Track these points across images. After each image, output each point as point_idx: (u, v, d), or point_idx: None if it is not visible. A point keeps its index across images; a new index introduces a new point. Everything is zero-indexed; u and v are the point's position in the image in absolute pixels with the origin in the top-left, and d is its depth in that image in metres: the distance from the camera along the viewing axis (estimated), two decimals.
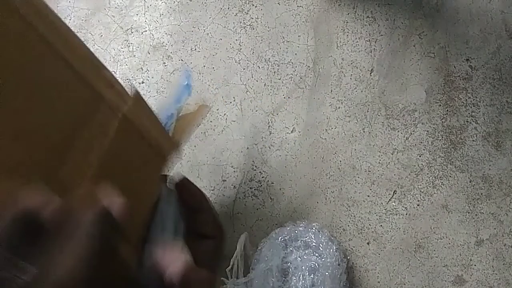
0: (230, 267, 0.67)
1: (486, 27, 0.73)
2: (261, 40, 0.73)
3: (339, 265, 0.64)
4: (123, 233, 0.21)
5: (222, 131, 0.71)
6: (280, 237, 0.66)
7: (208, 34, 0.74)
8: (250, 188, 0.70)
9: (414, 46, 0.73)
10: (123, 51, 0.73)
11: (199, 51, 0.73)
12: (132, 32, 0.74)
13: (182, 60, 0.73)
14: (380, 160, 0.71)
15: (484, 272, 0.69)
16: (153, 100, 0.72)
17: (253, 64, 0.73)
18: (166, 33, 0.74)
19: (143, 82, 0.73)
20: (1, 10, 0.19)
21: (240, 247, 0.67)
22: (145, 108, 0.28)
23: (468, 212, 0.70)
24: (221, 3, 0.74)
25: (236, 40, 0.73)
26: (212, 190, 0.70)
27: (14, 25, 0.19)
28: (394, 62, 0.73)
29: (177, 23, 0.74)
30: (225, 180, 0.71)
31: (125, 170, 0.26)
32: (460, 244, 0.69)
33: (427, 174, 0.70)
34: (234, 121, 0.72)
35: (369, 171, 0.71)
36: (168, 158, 0.31)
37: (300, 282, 0.62)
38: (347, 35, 0.73)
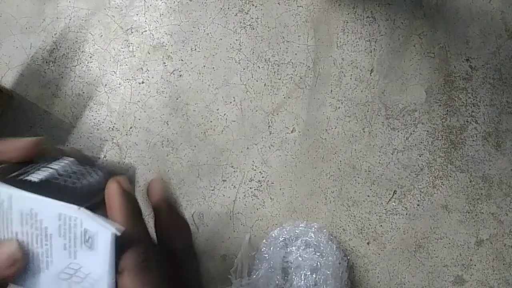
0: (234, 267, 0.67)
1: (486, 27, 0.73)
2: (261, 40, 0.73)
3: (340, 263, 0.64)
4: None
5: (222, 131, 0.71)
6: (280, 237, 0.66)
7: (208, 34, 0.74)
8: (250, 188, 0.70)
9: (414, 46, 0.73)
10: (123, 51, 0.73)
11: (199, 51, 0.73)
12: (132, 32, 0.74)
13: (182, 60, 0.73)
14: (380, 160, 0.71)
15: (484, 272, 0.69)
16: (153, 100, 0.72)
17: (253, 64, 0.73)
18: (166, 33, 0.74)
19: (143, 82, 0.73)
20: None
21: (244, 248, 0.67)
22: None
23: (468, 212, 0.70)
24: (221, 3, 0.74)
25: (236, 40, 0.73)
26: (212, 190, 0.70)
27: None
28: (394, 62, 0.73)
29: (177, 23, 0.74)
30: (225, 180, 0.71)
31: None
32: (460, 244, 0.69)
33: (427, 174, 0.70)
34: (234, 121, 0.72)
35: (369, 171, 0.71)
36: None
37: (303, 281, 0.63)
38: (347, 35, 0.73)
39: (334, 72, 0.73)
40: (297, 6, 0.74)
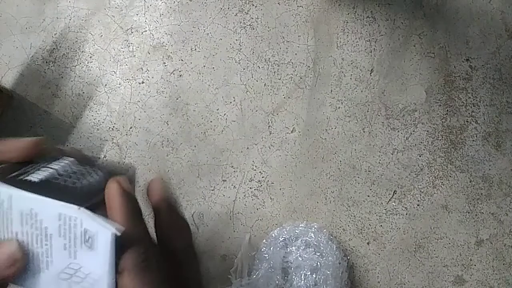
0: (234, 267, 0.67)
1: (486, 27, 0.73)
2: (261, 40, 0.73)
3: (339, 263, 0.64)
4: None
5: (222, 131, 0.71)
6: (280, 237, 0.66)
7: (208, 34, 0.74)
8: (250, 188, 0.70)
9: (414, 46, 0.73)
10: (123, 51, 0.73)
11: (199, 51, 0.73)
12: (132, 32, 0.74)
13: (182, 60, 0.73)
14: (380, 160, 0.71)
15: (484, 272, 0.69)
16: (153, 100, 0.72)
17: (253, 64, 0.73)
18: (166, 33, 0.74)
19: (143, 82, 0.73)
20: None
21: (244, 248, 0.67)
22: None
23: (468, 212, 0.70)
24: (221, 3, 0.74)
25: (236, 40, 0.73)
26: (212, 190, 0.70)
27: None
28: (394, 62, 0.73)
29: (177, 23, 0.74)
30: (225, 180, 0.71)
31: None
32: (460, 244, 0.69)
33: (427, 174, 0.70)
34: (234, 121, 0.72)
35: (369, 171, 0.71)
36: None
37: (303, 281, 0.63)
38: (347, 35, 0.73)
39: (334, 72, 0.73)
40: (297, 6, 0.74)
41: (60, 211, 0.21)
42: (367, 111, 0.72)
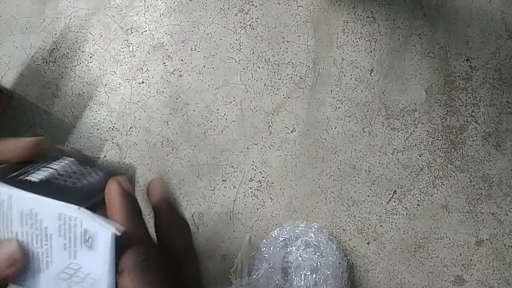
0: (234, 267, 0.67)
1: (486, 27, 0.73)
2: (261, 40, 0.73)
3: (339, 263, 0.64)
4: None
5: (222, 131, 0.71)
6: (280, 237, 0.66)
7: (208, 34, 0.74)
8: (250, 188, 0.70)
9: (414, 46, 0.73)
10: (123, 51, 0.73)
11: (199, 51, 0.73)
12: (132, 32, 0.74)
13: (182, 60, 0.73)
14: (380, 160, 0.71)
15: (484, 272, 0.69)
16: (153, 100, 0.72)
17: (253, 64, 0.73)
18: (166, 33, 0.74)
19: (143, 82, 0.73)
20: None
21: (244, 248, 0.67)
22: None
23: (468, 212, 0.70)
24: (221, 3, 0.74)
25: (236, 40, 0.73)
26: (212, 190, 0.70)
27: None
28: (394, 62, 0.73)
29: (177, 23, 0.74)
30: (225, 180, 0.71)
31: None
32: (460, 244, 0.69)
33: (427, 174, 0.70)
34: (234, 121, 0.72)
35: (369, 171, 0.71)
36: None
37: (303, 281, 0.63)
38: (347, 35, 0.73)
39: (334, 72, 0.73)
40: (297, 6, 0.74)
41: (60, 211, 0.21)
42: (367, 111, 0.72)
